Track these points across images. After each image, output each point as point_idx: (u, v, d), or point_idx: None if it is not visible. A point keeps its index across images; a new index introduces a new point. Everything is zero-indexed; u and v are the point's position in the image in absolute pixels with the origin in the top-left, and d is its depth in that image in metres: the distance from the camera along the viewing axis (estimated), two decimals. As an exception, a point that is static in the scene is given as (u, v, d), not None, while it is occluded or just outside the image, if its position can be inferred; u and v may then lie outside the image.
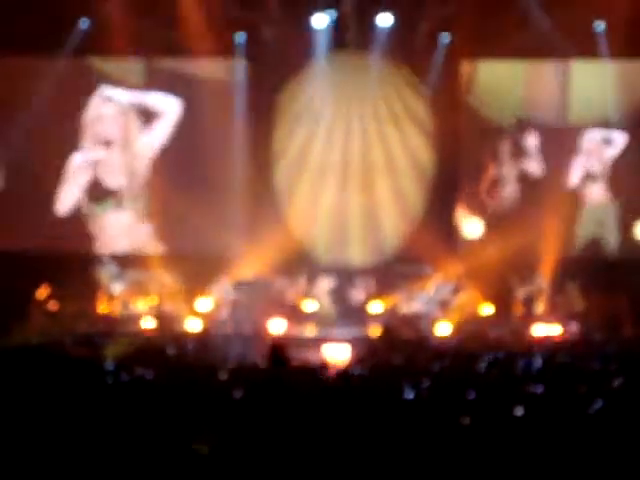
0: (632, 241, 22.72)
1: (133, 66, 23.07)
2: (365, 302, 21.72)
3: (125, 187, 23.24)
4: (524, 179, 23.24)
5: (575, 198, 23.01)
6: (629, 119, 22.76)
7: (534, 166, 23.18)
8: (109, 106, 23.17)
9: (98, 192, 23.14)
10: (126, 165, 23.26)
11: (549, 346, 16.38)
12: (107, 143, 23.18)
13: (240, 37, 22.69)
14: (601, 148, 22.95)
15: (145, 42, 22.04)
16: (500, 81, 23.10)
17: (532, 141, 23.11)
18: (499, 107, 23.12)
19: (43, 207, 22.99)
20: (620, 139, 22.78)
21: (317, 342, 19.44)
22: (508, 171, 23.24)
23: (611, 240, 22.98)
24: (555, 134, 22.94)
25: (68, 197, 23.15)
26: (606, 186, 23.00)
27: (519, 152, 23.20)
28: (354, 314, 21.63)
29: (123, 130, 23.23)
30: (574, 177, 23.00)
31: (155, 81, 23.18)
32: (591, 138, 22.97)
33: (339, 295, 21.87)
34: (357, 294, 22.06)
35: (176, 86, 23.19)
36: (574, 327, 20.29)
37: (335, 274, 22.49)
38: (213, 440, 7.19)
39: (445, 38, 22.53)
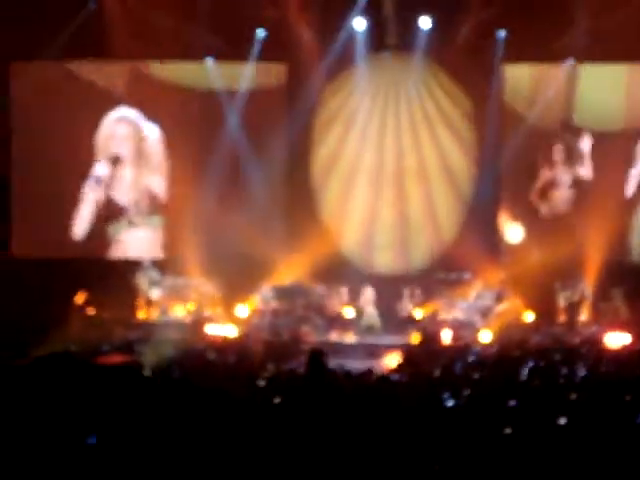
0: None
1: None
2: (407, 310, 21.56)
3: (134, 205, 23.38)
4: (577, 184, 22.98)
5: (630, 205, 22.71)
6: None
7: (587, 171, 22.91)
8: (122, 125, 23.26)
9: (110, 211, 23.34)
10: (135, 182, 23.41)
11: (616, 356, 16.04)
12: (118, 160, 23.31)
13: (280, 41, 22.67)
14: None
15: (186, 46, 22.22)
16: (547, 84, 22.84)
17: (585, 146, 22.81)
18: (547, 111, 22.88)
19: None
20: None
21: (357, 349, 19.33)
22: (561, 175, 23.00)
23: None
24: (609, 139, 22.63)
25: (83, 219, 23.33)
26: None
27: (572, 157, 22.94)
28: (397, 322, 21.49)
29: (136, 146, 23.33)
30: (630, 184, 22.73)
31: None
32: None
33: (382, 303, 21.71)
34: (400, 302, 21.91)
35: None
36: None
37: (375, 281, 22.34)
38: (249, 446, 7.13)
39: (498, 38, 22.33)
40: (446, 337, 19.71)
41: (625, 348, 18.21)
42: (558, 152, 22.93)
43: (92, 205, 23.23)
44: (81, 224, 23.27)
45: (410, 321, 21.37)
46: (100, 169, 23.13)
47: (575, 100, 22.90)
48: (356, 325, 21.45)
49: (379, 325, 21.21)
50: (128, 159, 23.27)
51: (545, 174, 23.02)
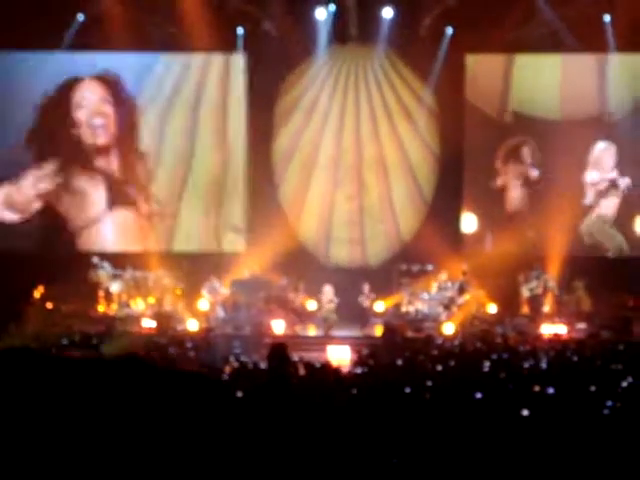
0: (634, 237, 22.59)
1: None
2: (368, 302, 21.48)
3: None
4: (529, 179, 23.05)
5: (580, 197, 22.82)
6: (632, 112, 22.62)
7: (535, 167, 22.99)
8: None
9: None
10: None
11: (556, 346, 16.12)
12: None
13: (240, 31, 22.51)
14: (607, 156, 22.79)
15: (144, 36, 21.99)
16: (499, 75, 22.89)
17: (535, 139, 22.90)
18: (501, 103, 22.91)
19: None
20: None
21: (319, 342, 19.23)
22: (514, 168, 23.05)
23: (617, 238, 22.82)
24: (555, 130, 22.72)
25: None
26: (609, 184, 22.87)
27: (523, 150, 23.00)
28: (357, 314, 21.39)
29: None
30: (583, 177, 22.85)
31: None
32: (599, 151, 22.81)
33: (342, 295, 21.59)
34: (360, 294, 21.81)
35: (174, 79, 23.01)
36: (581, 327, 20.05)
37: (335, 273, 22.24)
38: (213, 441, 6.99)
39: (448, 31, 22.30)
40: (408, 330, 19.70)
41: (560, 338, 18.35)
42: (510, 144, 22.99)
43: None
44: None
45: (372, 314, 21.29)
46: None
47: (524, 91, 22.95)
48: (315, 318, 21.35)
49: (335, 318, 21.11)
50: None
51: (499, 170, 23.09)
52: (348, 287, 21.59)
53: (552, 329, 19.66)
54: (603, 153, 22.77)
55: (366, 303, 21.25)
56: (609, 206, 22.82)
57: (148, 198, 22.98)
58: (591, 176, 22.80)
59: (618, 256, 22.67)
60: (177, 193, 22.98)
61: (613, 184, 22.73)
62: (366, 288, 21.33)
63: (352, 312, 21.34)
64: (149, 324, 20.23)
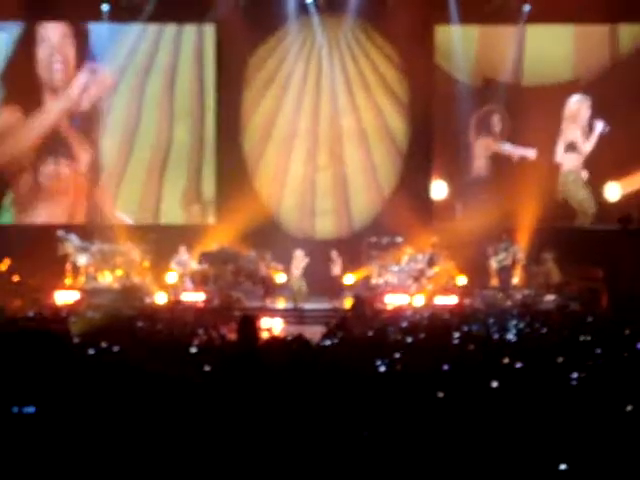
0: (603, 203, 22.67)
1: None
2: (337, 274, 21.46)
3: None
4: (496, 150, 23.09)
5: (550, 163, 22.87)
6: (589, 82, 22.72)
7: (505, 135, 23.01)
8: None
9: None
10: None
11: (525, 317, 16.16)
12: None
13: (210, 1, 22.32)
14: (582, 114, 22.83)
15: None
16: (468, 44, 22.85)
17: (502, 105, 22.89)
18: (468, 70, 22.89)
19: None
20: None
21: (288, 315, 19.21)
22: (484, 138, 23.06)
23: (585, 204, 22.88)
24: (522, 96, 22.73)
25: None
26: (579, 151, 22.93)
27: (493, 119, 23.01)
28: (328, 286, 21.38)
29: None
30: (556, 145, 22.90)
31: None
32: (574, 104, 22.81)
33: (313, 268, 21.55)
34: (329, 266, 21.78)
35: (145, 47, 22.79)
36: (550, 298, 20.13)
37: (306, 245, 22.19)
38: (182, 414, 6.98)
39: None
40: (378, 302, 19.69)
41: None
42: (480, 118, 22.99)
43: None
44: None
45: (342, 286, 21.29)
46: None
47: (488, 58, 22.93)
48: (284, 290, 21.32)
49: (305, 290, 21.09)
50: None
51: (470, 138, 23.09)
52: (319, 259, 21.58)
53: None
54: (578, 105, 22.80)
55: (336, 270, 21.25)
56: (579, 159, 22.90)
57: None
58: (566, 131, 22.82)
59: (586, 223, 22.75)
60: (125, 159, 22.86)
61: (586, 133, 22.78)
62: (334, 254, 21.35)
63: (323, 284, 21.33)
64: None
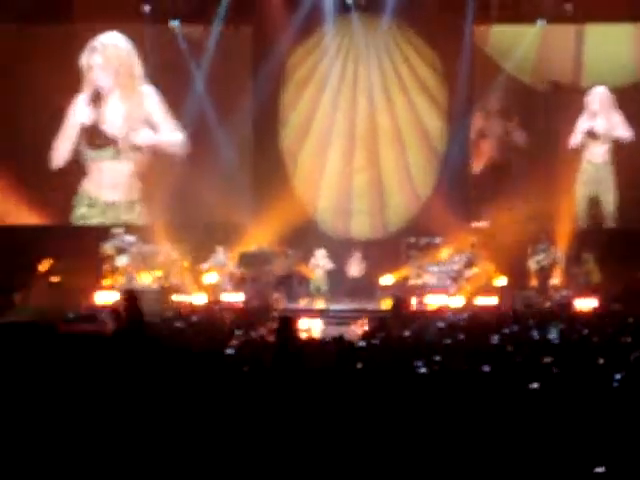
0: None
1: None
2: (355, 276, 21.38)
3: (124, 138, 22.99)
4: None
5: (576, 158, 22.72)
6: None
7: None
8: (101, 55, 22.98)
9: (96, 138, 22.96)
10: (127, 116, 23.07)
11: (565, 318, 16.02)
12: (106, 90, 22.99)
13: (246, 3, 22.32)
14: (608, 107, 22.62)
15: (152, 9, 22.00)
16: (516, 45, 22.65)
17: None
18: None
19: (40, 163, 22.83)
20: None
21: (327, 315, 19.20)
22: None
23: (609, 200, 22.71)
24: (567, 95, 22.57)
25: (65, 144, 22.94)
26: (607, 146, 22.70)
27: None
28: (361, 287, 21.35)
29: (122, 77, 23.00)
30: (577, 136, 22.69)
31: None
32: (597, 97, 22.61)
33: (342, 268, 21.53)
34: (363, 266, 21.75)
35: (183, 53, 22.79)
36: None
37: (346, 246, 22.15)
38: (222, 414, 7.00)
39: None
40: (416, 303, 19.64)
41: (594, 312, 18.21)
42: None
43: (76, 130, 22.99)
44: (62, 149, 22.99)
45: (380, 287, 21.26)
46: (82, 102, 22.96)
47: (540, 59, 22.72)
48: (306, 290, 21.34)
49: (325, 290, 21.13)
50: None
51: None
52: (352, 260, 21.55)
53: (586, 303, 19.47)
54: (600, 96, 22.61)
55: (353, 271, 21.20)
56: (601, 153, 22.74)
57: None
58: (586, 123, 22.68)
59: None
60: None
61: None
62: (358, 256, 21.31)
63: (356, 285, 21.32)
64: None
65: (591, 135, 22.67)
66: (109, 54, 22.93)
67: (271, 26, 22.23)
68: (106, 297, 19.83)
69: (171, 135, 23.02)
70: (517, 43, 22.44)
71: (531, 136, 22.72)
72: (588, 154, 22.76)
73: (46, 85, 22.03)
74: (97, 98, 22.93)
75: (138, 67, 22.94)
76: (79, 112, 22.89)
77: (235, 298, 20.36)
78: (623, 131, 22.51)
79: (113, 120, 23.00)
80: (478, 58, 22.67)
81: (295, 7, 22.09)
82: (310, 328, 16.64)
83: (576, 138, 22.63)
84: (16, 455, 5.89)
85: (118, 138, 22.97)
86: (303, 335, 13.17)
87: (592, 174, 22.81)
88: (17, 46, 22.38)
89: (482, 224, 22.70)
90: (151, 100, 23.05)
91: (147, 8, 22.37)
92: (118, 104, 23.03)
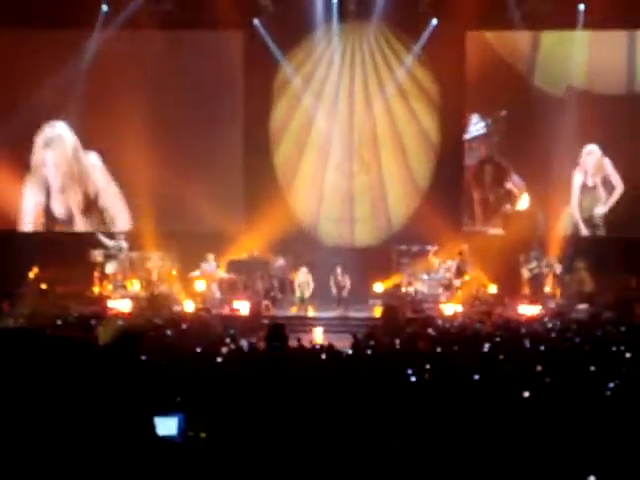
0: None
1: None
2: (337, 286, 21.28)
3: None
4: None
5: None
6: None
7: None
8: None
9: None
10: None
11: (557, 327, 15.99)
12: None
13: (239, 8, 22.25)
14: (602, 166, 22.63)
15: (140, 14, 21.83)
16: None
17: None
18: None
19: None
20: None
21: (316, 323, 19.16)
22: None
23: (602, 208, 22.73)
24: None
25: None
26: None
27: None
28: (352, 294, 21.28)
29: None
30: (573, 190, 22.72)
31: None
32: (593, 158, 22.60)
33: (332, 275, 21.48)
34: (353, 274, 21.69)
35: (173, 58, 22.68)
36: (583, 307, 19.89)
37: (335, 253, 22.09)
38: (211, 424, 6.92)
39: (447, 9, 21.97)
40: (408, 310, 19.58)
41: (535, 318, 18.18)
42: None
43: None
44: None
45: (373, 295, 21.22)
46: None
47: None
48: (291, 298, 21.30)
49: (307, 297, 21.10)
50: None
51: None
52: (350, 267, 21.47)
53: (526, 309, 19.49)
54: (594, 156, 22.62)
55: (335, 286, 21.09)
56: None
57: None
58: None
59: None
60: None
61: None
62: (339, 270, 21.17)
63: (352, 294, 21.26)
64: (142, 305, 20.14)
65: (585, 187, 22.70)
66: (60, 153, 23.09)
67: (262, 32, 22.15)
68: (119, 304, 19.78)
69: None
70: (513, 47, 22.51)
71: (528, 142, 22.62)
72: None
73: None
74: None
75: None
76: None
77: (224, 305, 20.31)
78: (617, 184, 22.51)
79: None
80: (473, 62, 22.63)
81: (286, 14, 21.99)
82: (314, 337, 16.67)
83: (573, 194, 22.63)
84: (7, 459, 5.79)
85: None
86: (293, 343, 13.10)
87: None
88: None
89: (475, 229, 22.69)
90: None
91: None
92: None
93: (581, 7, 21.77)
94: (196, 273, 21.19)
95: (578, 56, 22.34)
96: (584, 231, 22.67)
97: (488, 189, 22.95)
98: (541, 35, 22.57)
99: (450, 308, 19.74)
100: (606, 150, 22.41)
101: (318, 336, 17.30)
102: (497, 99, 22.62)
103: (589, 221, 22.67)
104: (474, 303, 20.14)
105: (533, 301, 19.94)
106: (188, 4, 21.95)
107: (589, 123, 21.80)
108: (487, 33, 22.62)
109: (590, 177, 22.62)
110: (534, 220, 22.43)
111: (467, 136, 22.94)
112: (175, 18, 22.06)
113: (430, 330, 15.21)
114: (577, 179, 22.62)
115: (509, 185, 22.84)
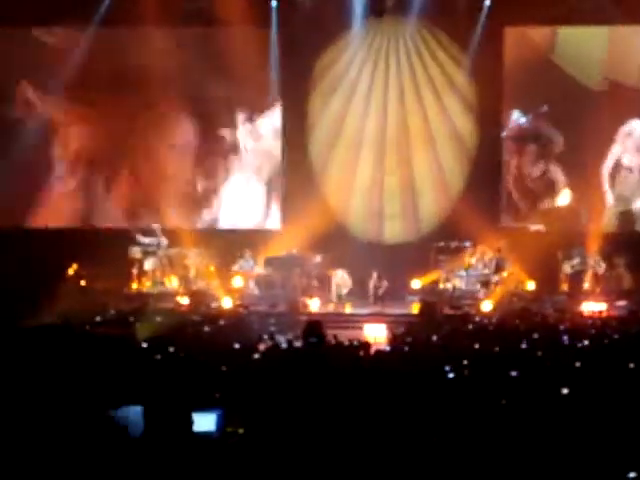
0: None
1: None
2: (375, 289, 21.21)
3: None
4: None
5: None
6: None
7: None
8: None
9: None
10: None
11: (597, 324, 15.87)
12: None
13: (274, 4, 22.23)
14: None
15: (173, 11, 21.72)
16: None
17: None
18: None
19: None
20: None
21: (353, 320, 19.10)
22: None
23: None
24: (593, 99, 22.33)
25: None
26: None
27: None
28: (391, 292, 21.21)
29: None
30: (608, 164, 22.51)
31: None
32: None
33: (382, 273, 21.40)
34: (399, 273, 21.61)
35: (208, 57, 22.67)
36: (621, 304, 19.73)
37: (375, 250, 22.03)
38: (248, 420, 6.94)
39: (487, 3, 21.87)
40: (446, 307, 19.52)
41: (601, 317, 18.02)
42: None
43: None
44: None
45: (410, 291, 21.16)
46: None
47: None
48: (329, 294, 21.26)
49: (345, 294, 21.07)
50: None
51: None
52: (388, 264, 21.41)
53: (592, 307, 19.35)
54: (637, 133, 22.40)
55: (372, 289, 21.03)
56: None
57: None
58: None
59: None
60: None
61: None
62: (375, 274, 21.10)
63: (390, 291, 21.19)
64: (183, 302, 20.18)
65: (622, 166, 22.48)
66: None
67: (299, 29, 22.12)
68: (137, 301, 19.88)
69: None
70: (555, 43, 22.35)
71: (569, 138, 22.46)
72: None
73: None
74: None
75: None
76: None
77: (263, 302, 20.33)
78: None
79: None
80: (511, 58, 22.50)
81: (323, 11, 21.94)
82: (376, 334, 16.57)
83: (606, 170, 22.43)
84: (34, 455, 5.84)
85: None
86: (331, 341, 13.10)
87: (624, 179, 22.59)
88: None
89: (514, 224, 22.57)
90: None
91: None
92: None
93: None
94: (234, 269, 21.22)
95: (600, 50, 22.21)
96: (619, 226, 22.42)
97: (528, 175, 22.77)
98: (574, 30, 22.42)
99: (488, 305, 19.66)
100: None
101: (373, 332, 17.10)
102: (537, 95, 22.42)
103: (627, 215, 22.46)
104: (512, 300, 20.03)
105: (597, 298, 19.83)
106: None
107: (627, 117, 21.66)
108: (526, 29, 22.43)
109: (629, 156, 22.39)
110: (577, 216, 22.26)
111: (508, 132, 22.80)
112: (208, 15, 21.98)
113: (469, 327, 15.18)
114: (614, 154, 22.39)
115: (550, 175, 22.67)
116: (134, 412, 6.33)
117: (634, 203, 22.49)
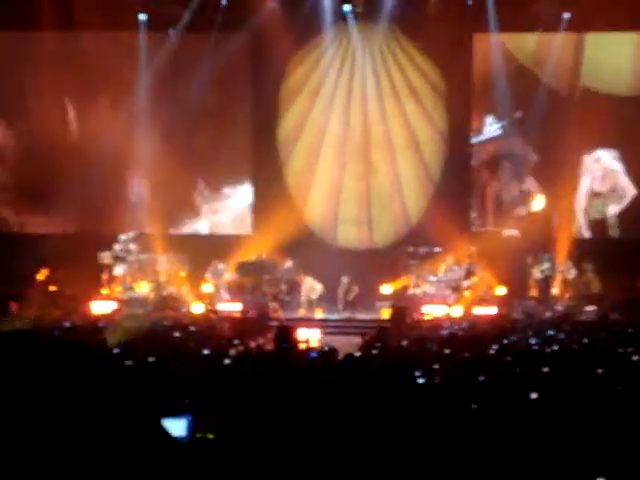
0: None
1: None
2: (345, 294, 21.24)
3: None
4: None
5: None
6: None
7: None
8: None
9: None
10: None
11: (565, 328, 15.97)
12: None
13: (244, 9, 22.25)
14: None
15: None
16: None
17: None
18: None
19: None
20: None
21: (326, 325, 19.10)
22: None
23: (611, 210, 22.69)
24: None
25: None
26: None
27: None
28: (361, 297, 21.25)
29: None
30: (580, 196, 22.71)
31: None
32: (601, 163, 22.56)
33: (350, 278, 21.43)
34: (369, 278, 21.65)
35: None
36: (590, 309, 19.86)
37: (344, 256, 22.06)
38: (218, 426, 6.92)
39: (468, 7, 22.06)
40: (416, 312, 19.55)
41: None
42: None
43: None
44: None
45: (380, 297, 21.19)
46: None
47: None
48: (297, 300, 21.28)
49: (315, 300, 21.07)
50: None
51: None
52: (358, 270, 21.44)
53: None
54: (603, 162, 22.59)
55: (342, 295, 21.06)
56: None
57: None
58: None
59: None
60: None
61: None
62: (345, 280, 21.13)
63: (360, 297, 21.22)
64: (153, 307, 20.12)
65: (595, 194, 22.67)
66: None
67: (269, 33, 22.13)
68: (103, 307, 19.75)
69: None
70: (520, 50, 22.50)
71: (543, 143, 22.59)
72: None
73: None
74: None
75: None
76: None
77: (233, 307, 20.29)
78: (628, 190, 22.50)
79: None
80: (480, 64, 22.62)
81: (293, 15, 21.98)
82: (308, 338, 16.52)
83: (580, 198, 22.61)
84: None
85: None
86: (302, 345, 13.11)
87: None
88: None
89: (485, 229, 22.68)
90: None
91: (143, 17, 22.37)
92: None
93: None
94: (205, 275, 21.20)
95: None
96: (590, 233, 22.60)
97: (503, 188, 22.89)
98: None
99: (458, 310, 19.73)
100: (620, 153, 22.37)
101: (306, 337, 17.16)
102: (510, 100, 22.54)
103: (598, 223, 22.62)
104: (481, 305, 20.11)
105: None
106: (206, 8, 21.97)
107: (603, 125, 21.82)
108: (496, 34, 22.56)
109: (598, 183, 22.59)
110: (549, 221, 22.39)
111: (482, 137, 22.90)
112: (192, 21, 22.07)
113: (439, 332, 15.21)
114: (584, 184, 22.56)
115: (525, 186, 22.81)
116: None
117: (606, 212, 22.69)
